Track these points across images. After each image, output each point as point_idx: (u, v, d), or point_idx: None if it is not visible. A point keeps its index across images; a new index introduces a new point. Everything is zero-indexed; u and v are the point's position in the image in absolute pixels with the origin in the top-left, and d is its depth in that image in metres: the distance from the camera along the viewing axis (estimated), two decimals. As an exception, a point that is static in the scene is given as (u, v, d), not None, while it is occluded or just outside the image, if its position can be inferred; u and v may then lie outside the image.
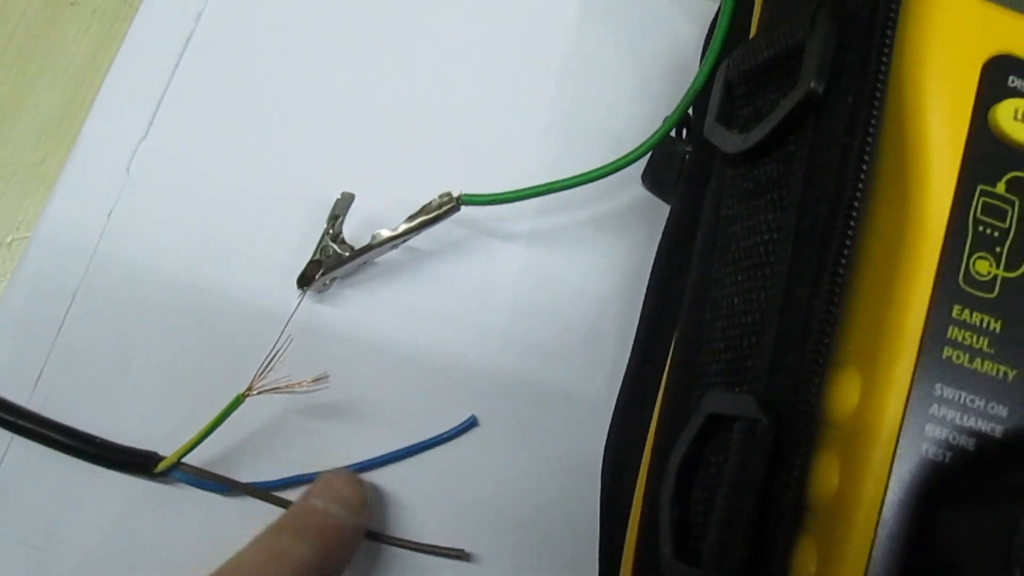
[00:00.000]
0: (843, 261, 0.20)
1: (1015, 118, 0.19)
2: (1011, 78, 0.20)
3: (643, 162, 0.30)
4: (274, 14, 0.34)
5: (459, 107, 0.34)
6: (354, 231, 0.32)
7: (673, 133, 0.30)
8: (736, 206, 0.24)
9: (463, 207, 0.30)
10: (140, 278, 0.31)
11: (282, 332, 0.30)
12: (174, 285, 0.31)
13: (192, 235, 0.32)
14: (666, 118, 0.30)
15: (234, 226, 0.32)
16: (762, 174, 0.23)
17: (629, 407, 0.27)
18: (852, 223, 0.20)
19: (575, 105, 0.34)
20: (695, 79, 0.28)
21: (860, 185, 0.20)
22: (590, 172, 0.30)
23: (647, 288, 0.28)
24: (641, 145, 0.29)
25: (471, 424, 0.31)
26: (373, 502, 0.29)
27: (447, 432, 0.30)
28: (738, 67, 0.24)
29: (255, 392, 0.28)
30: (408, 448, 0.30)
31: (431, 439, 0.30)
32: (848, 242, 0.20)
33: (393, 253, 0.32)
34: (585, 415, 0.31)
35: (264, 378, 0.28)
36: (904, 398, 0.18)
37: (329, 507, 0.27)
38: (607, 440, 0.27)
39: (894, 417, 0.18)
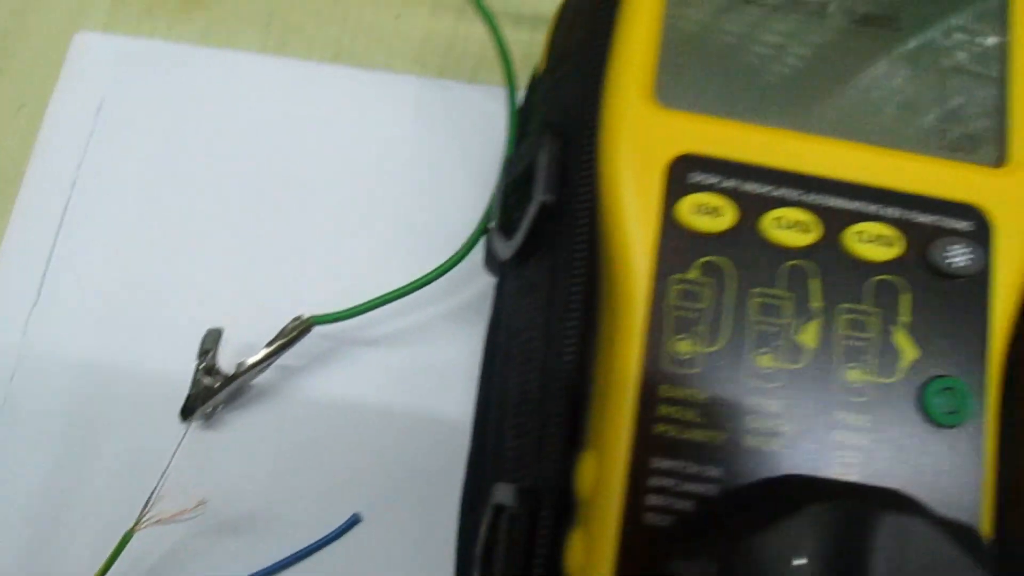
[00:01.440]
0: (568, 357, 0.22)
1: (695, 212, 0.22)
2: (691, 174, 0.22)
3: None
4: (140, 176, 0.38)
5: (318, 230, 0.37)
6: (234, 357, 0.35)
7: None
8: (512, 305, 0.27)
9: (316, 327, 0.33)
10: (31, 422, 0.34)
11: (168, 466, 0.33)
12: (67, 427, 0.34)
13: (84, 381, 0.35)
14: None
15: (123, 368, 0.35)
16: (527, 276, 0.26)
17: (466, 495, 0.29)
18: (573, 321, 0.22)
19: (420, 209, 0.37)
20: (497, 180, 0.31)
21: (575, 288, 0.23)
22: (426, 276, 0.33)
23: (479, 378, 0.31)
24: (464, 245, 0.32)
25: (354, 521, 0.33)
26: None
27: (331, 533, 0.33)
28: (505, 178, 0.27)
29: (142, 527, 0.31)
30: (295, 554, 0.32)
31: (315, 542, 0.33)
32: (570, 338, 0.22)
33: (269, 373, 0.35)
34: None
35: (150, 511, 0.31)
36: (624, 474, 0.21)
37: None
38: (458, 525, 0.30)
39: (618, 492, 0.21)
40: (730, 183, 0.22)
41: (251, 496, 0.34)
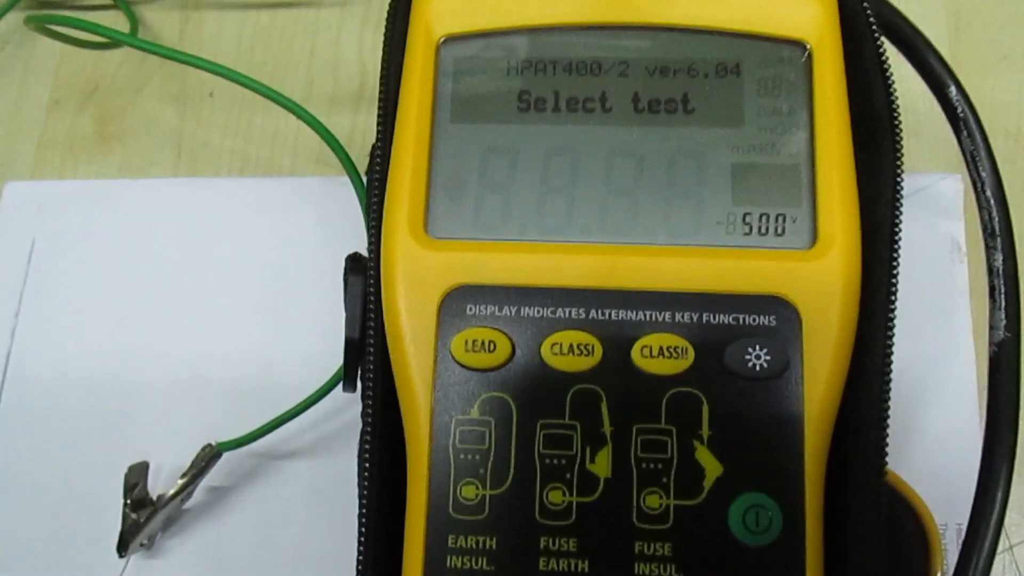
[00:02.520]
0: (364, 501, 0.22)
1: (467, 349, 0.21)
2: (468, 306, 0.22)
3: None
4: (73, 311, 0.39)
5: (242, 343, 0.38)
6: (171, 481, 0.36)
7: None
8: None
9: (225, 452, 0.34)
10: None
11: (105, 603, 0.34)
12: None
13: (22, 515, 0.36)
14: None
15: (59, 506, 0.36)
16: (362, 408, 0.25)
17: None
18: (366, 465, 0.22)
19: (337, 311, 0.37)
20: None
21: (368, 430, 0.22)
22: (313, 395, 0.33)
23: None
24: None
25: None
26: None
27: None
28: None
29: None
30: None
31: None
32: (367, 480, 0.22)
33: (201, 495, 0.36)
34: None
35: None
36: (416, 635, 0.20)
37: None
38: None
39: (411, 653, 0.20)
40: (508, 310, 0.21)
41: (194, 621, 0.35)
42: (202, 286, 0.39)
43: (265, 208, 0.39)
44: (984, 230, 0.28)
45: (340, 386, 0.33)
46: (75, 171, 0.41)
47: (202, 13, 0.43)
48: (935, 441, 0.33)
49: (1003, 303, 0.27)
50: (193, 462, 0.34)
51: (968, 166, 0.29)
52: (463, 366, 0.21)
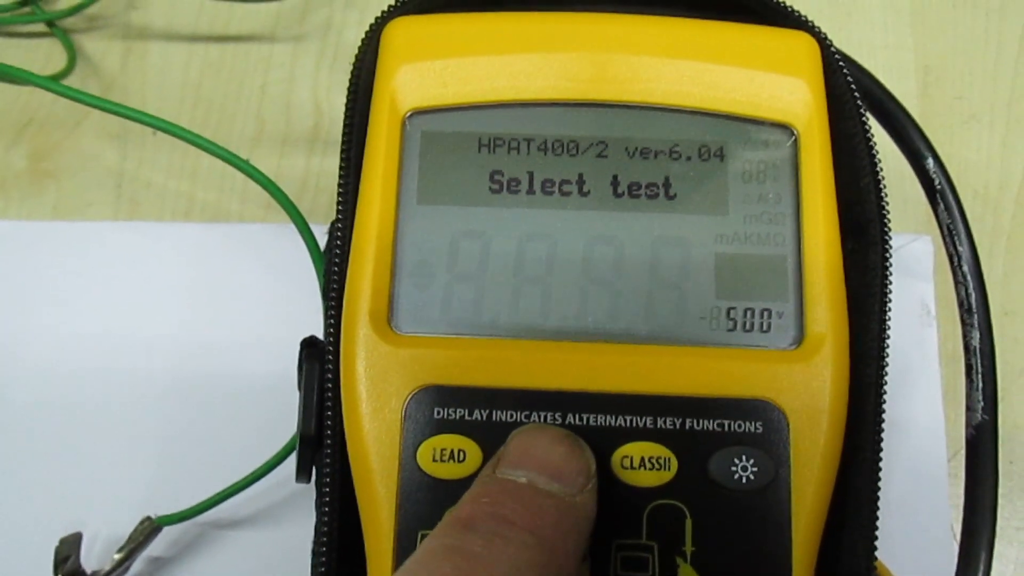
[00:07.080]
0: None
1: (434, 458, 0.20)
2: (436, 409, 0.20)
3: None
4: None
5: (181, 407, 0.36)
6: (107, 550, 0.33)
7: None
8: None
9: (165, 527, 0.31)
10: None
11: None
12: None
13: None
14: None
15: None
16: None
17: None
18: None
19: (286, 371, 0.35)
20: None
21: (324, 535, 0.20)
22: (259, 469, 0.31)
23: None
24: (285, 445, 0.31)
25: None
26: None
27: None
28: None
29: None
30: None
31: None
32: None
33: (139, 567, 0.33)
34: None
35: None
36: None
37: (537, 482, 0.18)
38: None
39: None
40: (479, 415, 0.20)
41: None
42: (141, 339, 0.36)
43: (211, 256, 0.37)
44: (960, 306, 0.28)
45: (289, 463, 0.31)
46: (5, 210, 0.39)
47: (146, 43, 0.41)
48: (903, 513, 0.32)
49: (980, 383, 0.27)
50: (131, 536, 0.32)
51: (944, 239, 0.28)
52: (430, 476, 0.20)
